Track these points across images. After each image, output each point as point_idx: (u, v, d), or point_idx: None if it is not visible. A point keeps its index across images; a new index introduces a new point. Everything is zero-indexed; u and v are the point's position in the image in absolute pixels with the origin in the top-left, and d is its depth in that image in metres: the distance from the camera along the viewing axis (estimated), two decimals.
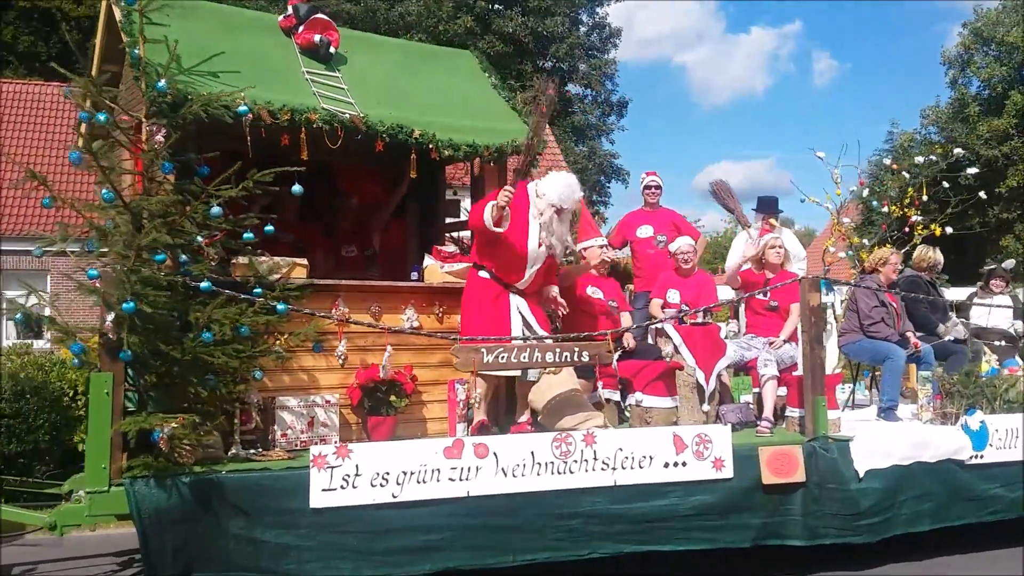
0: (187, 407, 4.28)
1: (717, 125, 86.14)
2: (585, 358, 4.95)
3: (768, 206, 7.56)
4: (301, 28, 5.48)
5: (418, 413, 5.44)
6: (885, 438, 5.47)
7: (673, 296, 6.71)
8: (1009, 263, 8.64)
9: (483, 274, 5.14)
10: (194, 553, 4.20)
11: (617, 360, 5.91)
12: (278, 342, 4.56)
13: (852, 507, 5.21)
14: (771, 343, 6.13)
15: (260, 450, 4.68)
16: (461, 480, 4.48)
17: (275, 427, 4.80)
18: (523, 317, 5.12)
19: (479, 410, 5.11)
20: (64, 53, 23.77)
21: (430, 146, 5.21)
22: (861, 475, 5.25)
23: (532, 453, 4.61)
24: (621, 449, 4.78)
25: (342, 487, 4.27)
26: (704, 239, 7.67)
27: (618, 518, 4.78)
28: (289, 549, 4.22)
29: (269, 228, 4.73)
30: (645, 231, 7.45)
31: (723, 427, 5.06)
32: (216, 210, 4.11)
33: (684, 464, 4.90)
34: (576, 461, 4.70)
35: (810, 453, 5.20)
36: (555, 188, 5.10)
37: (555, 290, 5.43)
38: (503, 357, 4.72)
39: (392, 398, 5.12)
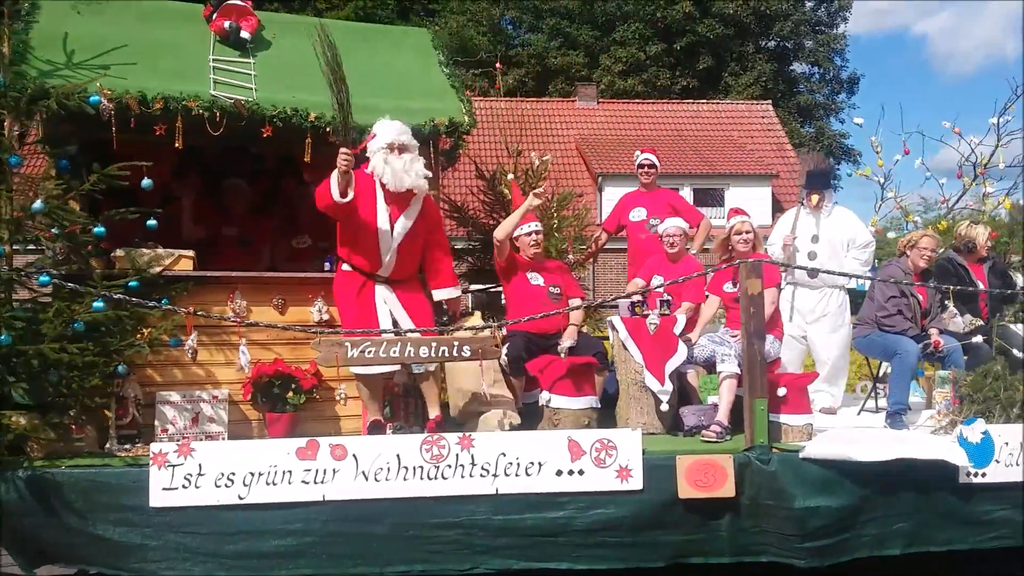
0: (49, 401, 4.29)
1: (961, 96, 77.28)
2: (467, 353, 4.52)
3: (814, 180, 6.66)
4: (215, 15, 5.37)
5: (330, 410, 5.20)
6: (845, 449, 4.64)
7: (658, 283, 6.09)
8: None
9: (346, 267, 4.81)
10: (46, 547, 4.21)
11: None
12: (141, 337, 4.46)
13: (796, 528, 4.47)
14: (735, 336, 5.39)
15: (139, 445, 4.61)
16: (316, 483, 4.20)
17: (156, 422, 4.73)
18: (390, 311, 4.75)
19: (371, 410, 4.80)
20: None
21: (327, 129, 4.93)
22: (809, 491, 4.49)
23: (398, 456, 4.26)
24: (504, 454, 4.33)
25: (184, 486, 4.11)
26: (707, 224, 6.88)
27: (504, 531, 4.34)
28: (133, 548, 4.13)
29: (151, 223, 4.64)
30: (638, 214, 6.81)
31: (631, 432, 4.47)
32: (37, 205, 4.05)
33: (581, 472, 4.38)
34: (450, 466, 4.30)
35: (743, 465, 4.50)
36: (380, 131, 4.69)
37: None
38: (370, 352, 4.38)
39: (289, 394, 4.91)
